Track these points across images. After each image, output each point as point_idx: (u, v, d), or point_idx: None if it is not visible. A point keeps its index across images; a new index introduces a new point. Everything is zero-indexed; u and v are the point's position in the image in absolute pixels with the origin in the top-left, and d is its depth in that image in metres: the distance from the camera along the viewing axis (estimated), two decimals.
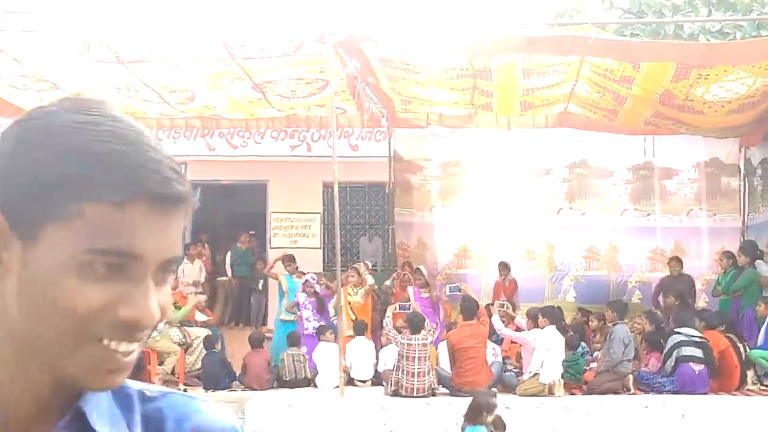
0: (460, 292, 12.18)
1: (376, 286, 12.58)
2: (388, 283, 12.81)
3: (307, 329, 12.05)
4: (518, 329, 11.09)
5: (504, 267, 13.55)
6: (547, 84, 11.65)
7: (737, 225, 14.12)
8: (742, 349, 10.42)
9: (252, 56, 10.67)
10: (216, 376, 10.98)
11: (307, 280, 12.32)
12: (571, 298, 14.03)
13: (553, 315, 10.61)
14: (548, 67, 10.84)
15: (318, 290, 12.19)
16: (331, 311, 11.79)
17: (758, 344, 10.65)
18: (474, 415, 7.28)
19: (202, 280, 14.39)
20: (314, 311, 12.15)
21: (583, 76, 11.48)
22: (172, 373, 11.13)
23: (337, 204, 10.27)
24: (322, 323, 11.92)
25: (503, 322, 11.04)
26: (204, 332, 11.71)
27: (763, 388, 10.32)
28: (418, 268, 12.89)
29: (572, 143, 14.21)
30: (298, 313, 12.26)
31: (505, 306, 11.52)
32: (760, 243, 12.73)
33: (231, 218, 17.39)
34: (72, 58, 10.51)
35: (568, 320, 12.74)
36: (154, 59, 10.76)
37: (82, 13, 12.25)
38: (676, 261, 12.93)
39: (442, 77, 11.38)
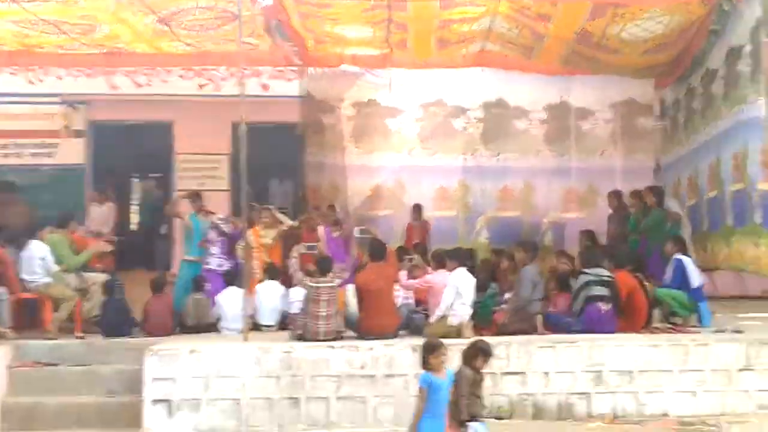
0: (369, 235, 11.92)
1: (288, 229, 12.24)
2: (295, 223, 12.49)
3: (209, 264, 11.68)
4: None
5: (417, 209, 13.34)
6: (464, 15, 11.31)
7: (650, 165, 14.13)
8: (649, 288, 10.39)
9: None
10: (115, 322, 10.58)
11: (214, 221, 11.89)
12: (484, 239, 13.95)
13: (459, 256, 10.41)
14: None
15: (225, 230, 11.78)
16: (240, 253, 11.41)
17: (664, 283, 10.64)
18: (468, 358, 7.25)
19: (111, 225, 13.91)
20: (221, 250, 11.75)
21: (501, 12, 11.22)
22: (69, 320, 10.69)
23: (245, 145, 9.87)
24: (230, 263, 11.56)
25: (414, 276, 10.81)
26: (102, 277, 11.26)
27: (668, 326, 10.34)
28: (331, 206, 12.61)
29: (488, 83, 14.05)
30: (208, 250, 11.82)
31: (414, 259, 11.28)
32: (671, 182, 12.75)
33: (135, 160, 16.82)
34: None
35: (480, 262, 12.64)
36: None
37: None
38: (614, 195, 12.81)
39: (356, 10, 10.98)
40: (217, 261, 11.69)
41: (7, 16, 11.09)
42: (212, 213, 12.32)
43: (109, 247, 12.39)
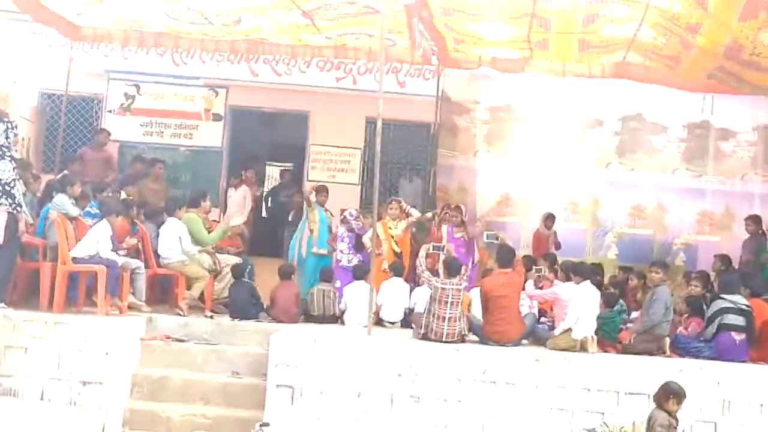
0: (497, 240, 11.84)
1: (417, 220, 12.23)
2: (429, 215, 12.42)
3: (340, 261, 11.80)
4: None
5: (550, 218, 13.21)
6: (610, 17, 11.06)
7: None
8: None
9: None
10: (243, 305, 10.80)
11: (344, 216, 12.00)
12: (613, 255, 13.75)
13: (585, 271, 10.27)
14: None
15: (355, 227, 11.89)
16: (367, 243, 11.46)
17: None
18: (661, 400, 7.22)
19: (248, 208, 14.22)
20: (350, 245, 11.86)
21: (648, 20, 10.94)
22: (200, 299, 10.98)
23: (379, 140, 9.95)
24: (359, 257, 11.68)
25: (540, 286, 10.72)
26: (234, 260, 11.52)
27: None
28: (457, 206, 12.56)
29: (628, 96, 13.84)
30: (334, 246, 11.96)
31: (543, 270, 11.15)
32: None
33: (270, 148, 17.17)
34: None
35: (607, 278, 12.44)
36: None
37: None
38: (752, 220, 12.44)
39: (500, 2, 10.86)
40: (346, 257, 11.79)
41: (156, 4, 11.48)
42: (331, 213, 12.42)
43: (241, 220, 12.57)
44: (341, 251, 11.82)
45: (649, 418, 6.95)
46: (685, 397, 7.14)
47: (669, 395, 7.09)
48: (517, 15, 11.24)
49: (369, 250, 10.94)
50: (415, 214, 12.10)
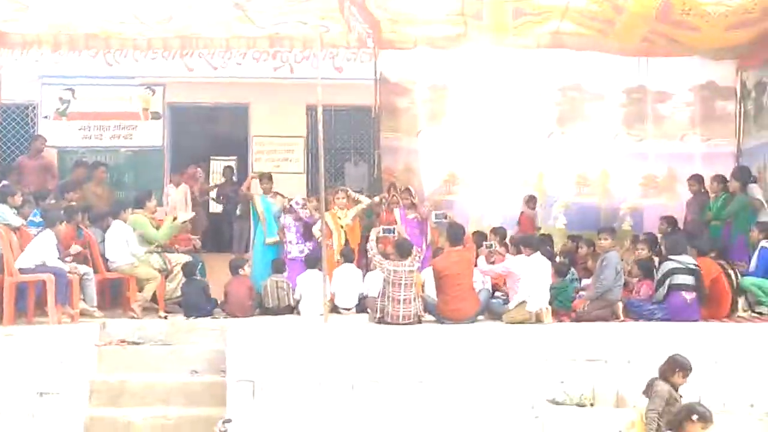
0: (446, 219, 11.88)
1: (367, 207, 12.23)
2: (377, 199, 12.46)
3: (290, 252, 11.76)
4: None
5: (532, 200, 13.33)
6: None
7: (731, 150, 13.83)
8: (733, 276, 10.21)
9: None
10: (197, 303, 10.72)
11: (290, 206, 11.96)
12: (561, 225, 13.84)
13: (534, 243, 10.36)
14: None
15: (302, 215, 11.86)
16: (317, 233, 11.45)
17: (749, 271, 10.44)
18: (666, 372, 7.09)
19: (188, 205, 14.09)
20: (298, 234, 11.84)
21: None
22: (153, 300, 10.87)
23: (321, 127, 9.90)
24: (308, 246, 11.64)
25: (492, 261, 10.80)
26: (184, 258, 11.42)
27: (754, 314, 10.15)
28: (407, 188, 12.58)
29: (564, 66, 13.85)
30: (283, 238, 11.93)
31: (492, 245, 11.24)
32: (753, 168, 12.46)
33: (212, 142, 17.01)
34: None
35: (558, 247, 12.56)
36: None
37: None
38: (694, 179, 12.62)
39: None
40: (297, 248, 11.77)
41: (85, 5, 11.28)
42: (281, 196, 12.39)
43: (189, 215, 12.46)
44: (290, 242, 11.79)
45: (648, 386, 6.92)
46: (691, 370, 7.05)
47: (675, 368, 7.01)
48: None
49: (319, 240, 10.93)
50: (365, 201, 12.12)
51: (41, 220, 10.60)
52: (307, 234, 11.79)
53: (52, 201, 11.86)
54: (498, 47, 13.22)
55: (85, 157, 14.52)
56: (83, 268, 10.33)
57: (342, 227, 11.77)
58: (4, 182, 12.25)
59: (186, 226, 12.23)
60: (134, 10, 11.44)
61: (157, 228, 11.38)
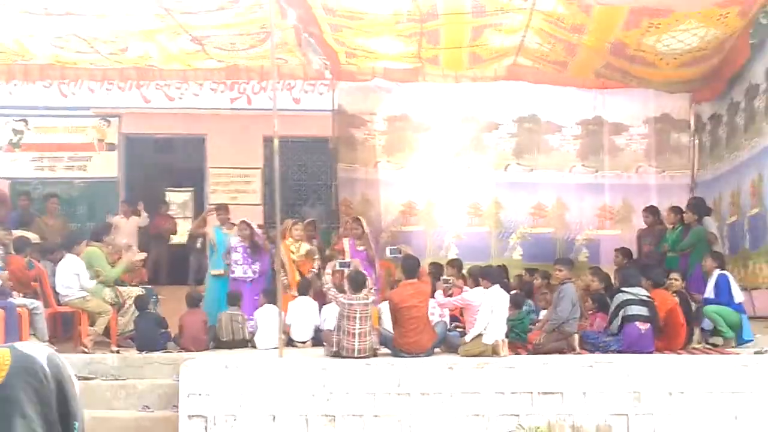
0: (400, 253, 11.83)
1: (316, 251, 12.08)
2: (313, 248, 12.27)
3: (234, 272, 11.58)
4: None
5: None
6: (497, 26, 11.21)
7: (686, 182, 13.99)
8: (693, 307, 10.26)
9: (189, 11, 10.17)
10: (150, 337, 10.56)
11: (243, 221, 11.74)
12: (518, 256, 13.87)
13: (493, 275, 10.33)
14: (497, 10, 10.48)
15: (256, 232, 11.67)
16: (277, 267, 11.30)
17: (706, 299, 10.48)
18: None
19: (136, 239, 13.93)
20: (245, 254, 11.65)
21: (534, 26, 11.15)
22: (105, 334, 10.69)
23: (277, 159, 9.87)
24: (254, 268, 11.50)
25: (450, 294, 10.76)
26: (137, 291, 11.26)
27: (707, 346, 10.19)
28: (356, 218, 12.38)
29: (521, 97, 14.01)
30: (228, 261, 11.71)
31: (450, 281, 11.18)
32: (708, 200, 12.57)
33: (168, 173, 16.87)
34: None
35: (513, 278, 12.56)
36: (84, 12, 10.22)
37: None
38: (649, 211, 12.67)
39: (388, 22, 10.93)
40: (241, 269, 11.59)
41: (41, 32, 11.15)
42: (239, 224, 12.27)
43: (141, 256, 12.34)
44: (235, 262, 11.59)
45: None
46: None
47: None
48: (406, 34, 11.34)
49: (268, 253, 10.87)
50: (306, 247, 11.91)
51: None
52: (255, 255, 11.61)
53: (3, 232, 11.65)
54: (455, 80, 13.28)
55: (38, 189, 14.34)
56: (33, 302, 10.13)
57: (294, 261, 11.65)
58: None
59: (140, 263, 12.08)
60: (90, 40, 11.34)
61: (113, 265, 11.23)
